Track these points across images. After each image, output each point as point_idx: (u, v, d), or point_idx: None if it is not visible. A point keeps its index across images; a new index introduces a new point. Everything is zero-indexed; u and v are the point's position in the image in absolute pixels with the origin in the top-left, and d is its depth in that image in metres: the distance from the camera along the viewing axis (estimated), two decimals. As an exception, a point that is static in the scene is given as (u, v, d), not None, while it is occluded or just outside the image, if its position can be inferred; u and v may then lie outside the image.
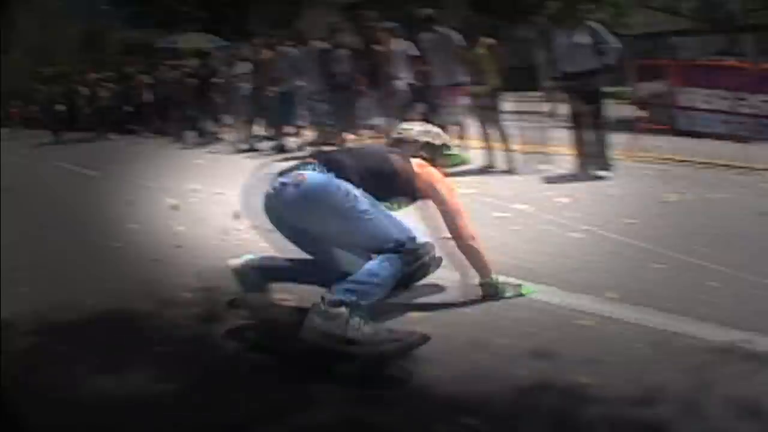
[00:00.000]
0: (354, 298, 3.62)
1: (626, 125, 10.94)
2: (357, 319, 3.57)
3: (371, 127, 11.54)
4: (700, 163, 9.62)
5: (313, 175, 3.91)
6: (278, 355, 3.83)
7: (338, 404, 3.27)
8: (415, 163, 4.27)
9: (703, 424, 3.01)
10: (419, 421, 3.15)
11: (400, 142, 4.53)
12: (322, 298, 3.60)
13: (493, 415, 3.13)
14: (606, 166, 8.81)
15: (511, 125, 9.99)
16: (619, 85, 13.00)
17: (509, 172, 9.35)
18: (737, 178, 8.70)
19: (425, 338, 3.64)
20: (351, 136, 11.89)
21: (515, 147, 9.80)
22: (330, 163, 4.01)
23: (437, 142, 4.59)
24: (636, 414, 3.12)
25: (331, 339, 3.53)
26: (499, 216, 6.77)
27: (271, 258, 4.26)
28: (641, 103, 12.25)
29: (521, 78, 12.60)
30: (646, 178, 8.58)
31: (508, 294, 4.45)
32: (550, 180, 8.76)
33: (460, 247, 4.34)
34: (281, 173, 4.01)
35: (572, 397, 3.26)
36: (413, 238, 3.93)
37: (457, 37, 9.84)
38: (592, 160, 8.87)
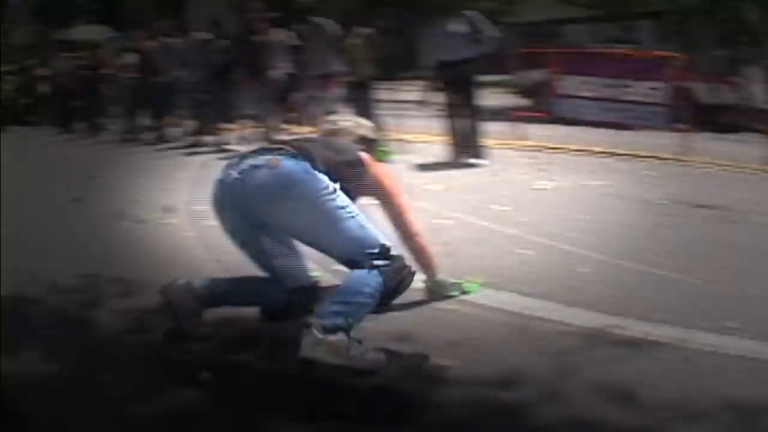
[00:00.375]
0: (350, 321, 3.35)
1: (506, 113, 11.16)
2: (356, 344, 3.32)
3: (250, 117, 11.63)
4: (577, 150, 9.97)
5: (287, 161, 3.62)
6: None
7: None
8: (363, 156, 4.04)
9: (569, 408, 3.07)
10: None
11: (335, 134, 4.25)
12: (308, 326, 3.29)
13: (352, 397, 3.16)
14: (479, 154, 9.00)
15: (385, 114, 10.13)
16: (503, 73, 13.48)
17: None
18: (617, 165, 8.97)
19: (425, 357, 3.48)
20: (230, 126, 11.96)
21: (389, 135, 9.87)
22: (301, 151, 3.72)
23: (371, 135, 4.41)
24: (497, 397, 3.17)
25: (337, 370, 3.23)
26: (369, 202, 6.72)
27: (210, 280, 3.85)
28: (523, 92, 12.73)
29: (397, 67, 12.79)
30: (520, 166, 8.80)
31: (453, 293, 4.39)
32: (423, 168, 8.87)
33: (407, 245, 4.17)
34: (244, 158, 3.72)
35: (433, 380, 3.33)
36: (390, 248, 3.60)
37: (332, 26, 10.02)
38: (465, 148, 9.04)
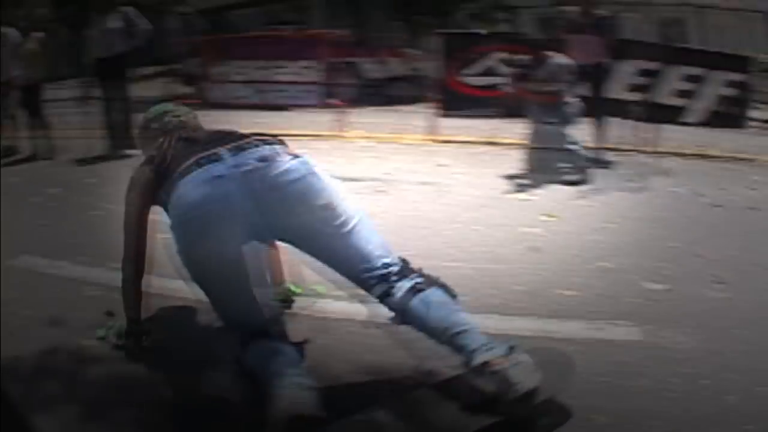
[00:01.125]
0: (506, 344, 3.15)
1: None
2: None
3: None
4: None
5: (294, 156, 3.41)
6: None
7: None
8: None
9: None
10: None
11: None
12: (486, 363, 3.04)
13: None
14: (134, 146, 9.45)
15: (55, 113, 10.69)
16: (170, 63, 14.74)
17: (49, 158, 9.91)
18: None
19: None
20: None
21: (57, 134, 10.38)
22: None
23: None
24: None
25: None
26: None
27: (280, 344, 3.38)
28: (186, 80, 13.66)
29: (68, 66, 13.45)
30: None
31: (296, 297, 4.39)
32: (83, 162, 9.40)
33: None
34: (239, 149, 3.38)
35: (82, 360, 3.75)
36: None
37: (14, 34, 10.28)
38: (121, 141, 9.62)
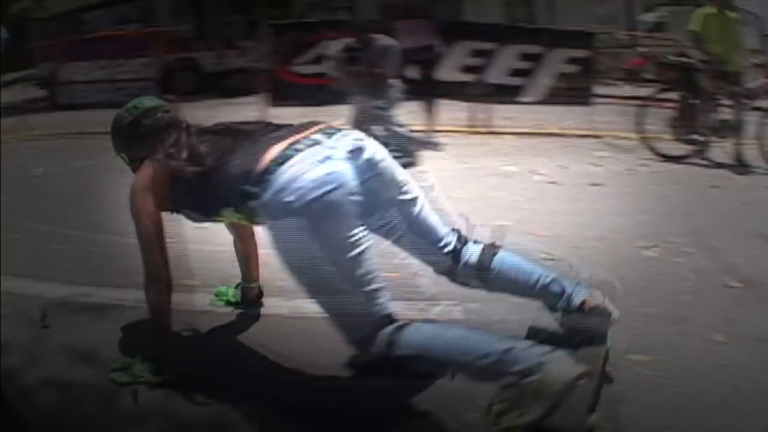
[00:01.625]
0: None
1: (24, 106, 12.34)
2: None
3: None
4: (72, 134, 10.83)
5: None
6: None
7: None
8: None
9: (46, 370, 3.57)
10: None
11: None
12: (584, 303, 3.32)
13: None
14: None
15: None
16: (29, 67, 15.06)
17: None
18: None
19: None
20: None
21: None
22: None
23: None
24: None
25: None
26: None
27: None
28: (40, 83, 14.04)
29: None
30: (19, 156, 9.43)
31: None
32: None
33: (245, 245, 4.16)
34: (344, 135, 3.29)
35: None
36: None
37: None
38: None
